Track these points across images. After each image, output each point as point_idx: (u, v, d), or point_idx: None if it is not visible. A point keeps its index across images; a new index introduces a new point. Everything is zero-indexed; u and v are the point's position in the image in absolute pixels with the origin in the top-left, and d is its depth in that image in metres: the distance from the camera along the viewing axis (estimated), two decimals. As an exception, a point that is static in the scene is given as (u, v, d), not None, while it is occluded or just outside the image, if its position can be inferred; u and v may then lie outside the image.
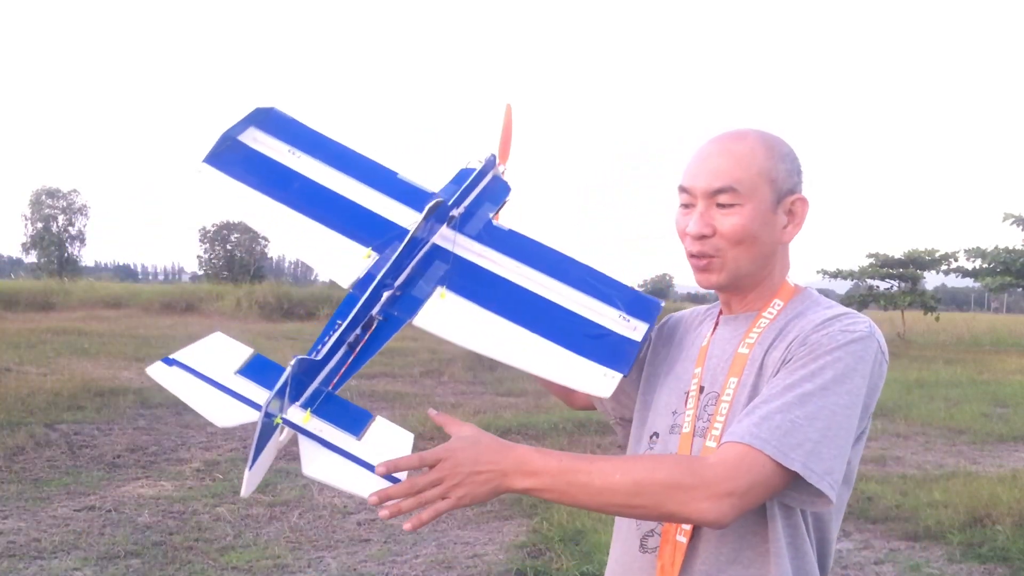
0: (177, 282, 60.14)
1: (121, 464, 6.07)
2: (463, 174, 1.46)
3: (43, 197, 44.89)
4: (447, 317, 1.29)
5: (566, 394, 1.56)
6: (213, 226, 39.65)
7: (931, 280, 26.68)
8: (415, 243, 1.30)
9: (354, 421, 1.17)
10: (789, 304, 1.28)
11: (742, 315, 1.31)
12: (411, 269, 1.31)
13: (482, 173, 1.48)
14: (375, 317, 1.27)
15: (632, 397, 1.45)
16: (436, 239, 1.35)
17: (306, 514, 5.03)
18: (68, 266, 43.48)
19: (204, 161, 1.36)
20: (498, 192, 1.49)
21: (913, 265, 24.55)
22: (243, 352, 1.23)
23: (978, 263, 23.34)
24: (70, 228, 45.47)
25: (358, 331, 1.25)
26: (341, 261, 1.31)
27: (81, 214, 45.76)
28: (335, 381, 1.22)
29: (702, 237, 1.25)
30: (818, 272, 25.61)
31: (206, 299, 23.09)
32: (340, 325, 1.23)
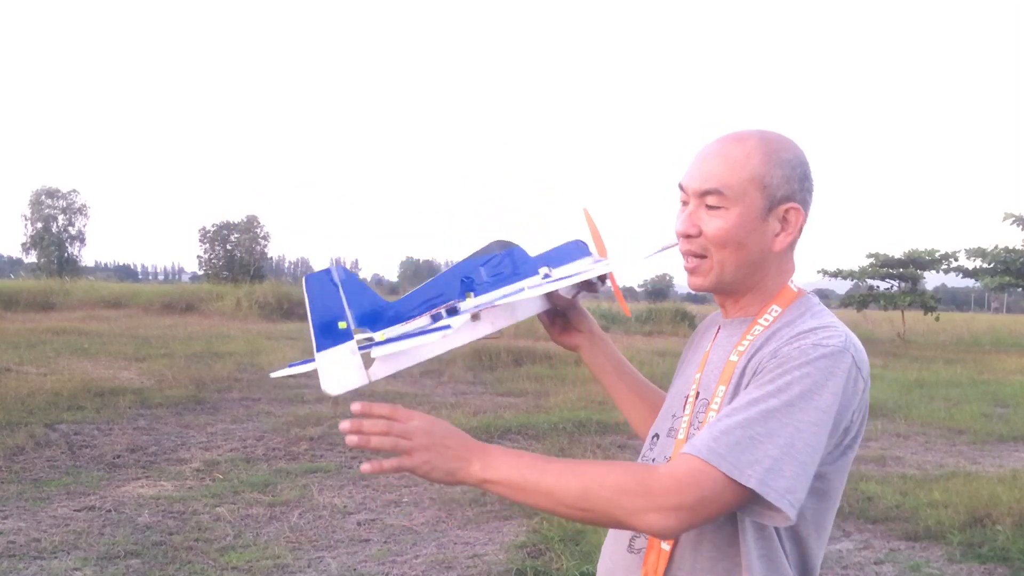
0: (177, 282, 60.15)
1: (121, 464, 6.07)
2: (562, 256, 1.62)
3: (43, 197, 44.95)
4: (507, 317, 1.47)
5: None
6: (213, 226, 39.68)
7: (931, 280, 26.73)
8: (482, 260, 1.49)
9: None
10: (787, 311, 1.26)
11: (736, 320, 1.30)
12: (502, 294, 1.46)
13: (573, 254, 1.64)
14: (457, 305, 1.40)
15: None
16: (526, 283, 1.52)
17: (306, 514, 5.03)
18: (68, 266, 43.53)
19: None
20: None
21: (913, 265, 24.57)
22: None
23: (978, 263, 23.36)
24: (70, 228, 45.55)
25: (441, 308, 1.38)
26: None
27: (81, 214, 45.86)
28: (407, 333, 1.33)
29: (688, 236, 1.26)
30: (818, 272, 25.64)
31: (206, 299, 23.09)
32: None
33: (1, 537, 4.39)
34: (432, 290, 1.40)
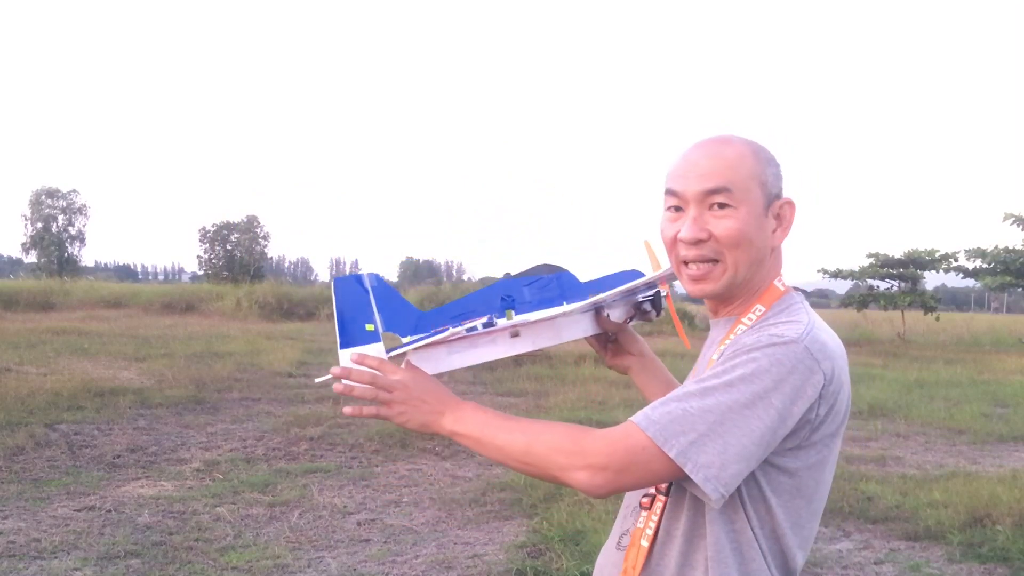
0: (177, 282, 60.13)
1: (121, 464, 6.07)
2: (628, 275, 1.66)
3: (43, 197, 44.91)
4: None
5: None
6: (213, 226, 39.66)
7: (931, 280, 26.68)
8: (528, 281, 1.54)
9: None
10: (771, 309, 1.25)
11: (723, 320, 1.30)
12: (544, 315, 1.48)
13: (624, 278, 1.66)
14: (495, 321, 1.44)
15: None
16: (573, 308, 1.53)
17: (306, 514, 5.03)
18: (68, 266, 43.49)
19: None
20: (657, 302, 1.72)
21: (913, 265, 24.55)
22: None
23: (978, 263, 23.35)
24: (70, 228, 45.50)
25: (476, 322, 1.41)
26: None
27: (81, 214, 45.80)
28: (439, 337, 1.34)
29: (698, 242, 1.22)
30: (818, 272, 25.62)
31: (206, 299, 23.08)
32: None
33: (1, 537, 4.39)
34: (467, 304, 1.42)
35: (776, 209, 1.24)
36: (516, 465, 1.21)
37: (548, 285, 1.51)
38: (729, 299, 1.29)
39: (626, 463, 1.12)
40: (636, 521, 1.28)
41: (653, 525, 1.24)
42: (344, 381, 1.26)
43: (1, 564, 4.04)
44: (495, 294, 1.45)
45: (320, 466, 6.16)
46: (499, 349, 1.39)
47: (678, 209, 1.25)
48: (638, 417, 1.14)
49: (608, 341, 1.64)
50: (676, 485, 1.22)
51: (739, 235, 1.20)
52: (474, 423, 1.24)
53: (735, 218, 1.20)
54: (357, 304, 1.29)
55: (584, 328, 1.55)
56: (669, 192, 1.25)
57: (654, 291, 1.69)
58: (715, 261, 1.23)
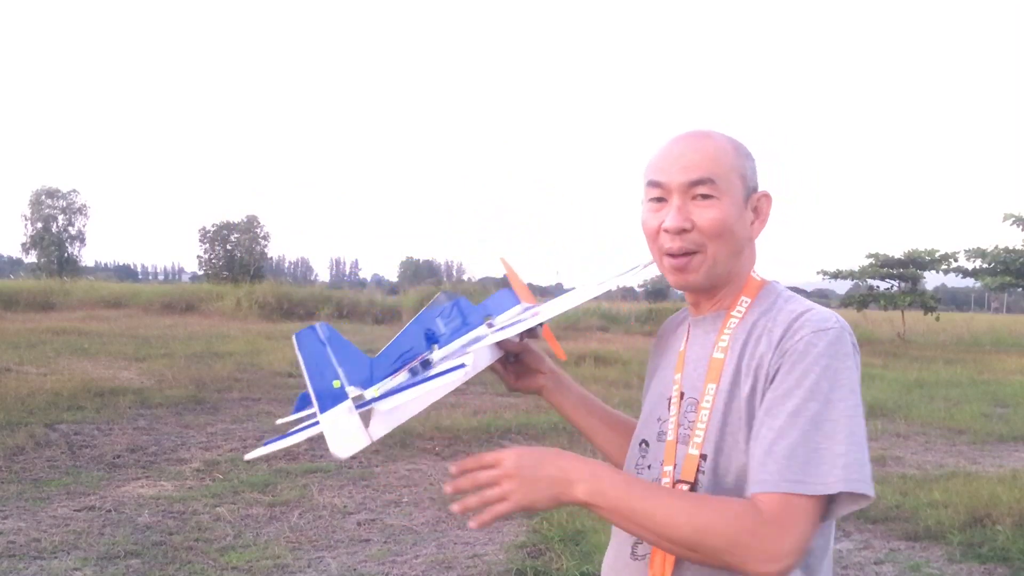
0: (177, 282, 60.11)
1: (121, 464, 6.07)
2: (500, 306, 1.68)
3: (43, 197, 44.90)
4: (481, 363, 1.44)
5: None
6: (213, 226, 39.66)
7: (931, 280, 26.72)
8: (435, 312, 1.53)
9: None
10: (756, 301, 1.27)
11: (710, 315, 1.30)
12: (460, 344, 1.48)
13: (509, 304, 1.69)
14: (429, 357, 1.40)
15: None
16: (477, 333, 1.55)
17: (306, 514, 5.03)
18: (68, 266, 43.49)
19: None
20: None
21: (913, 265, 24.57)
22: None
23: (978, 263, 23.38)
24: (70, 228, 45.49)
25: (415, 363, 1.38)
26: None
27: (81, 214, 45.78)
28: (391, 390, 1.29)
29: (681, 232, 1.22)
30: (818, 272, 25.64)
31: (206, 299, 23.09)
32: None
33: (1, 537, 4.39)
34: (404, 344, 1.41)
35: (754, 202, 1.26)
36: (672, 548, 1.11)
37: (451, 313, 1.51)
38: (710, 292, 1.29)
39: (802, 535, 1.08)
40: None
41: None
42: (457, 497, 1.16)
43: (1, 564, 4.04)
44: (419, 330, 1.44)
45: (320, 466, 6.16)
46: (447, 385, 1.29)
47: (660, 200, 1.25)
48: (780, 485, 1.09)
49: (508, 364, 1.55)
50: (703, 485, 1.20)
51: (722, 225, 1.22)
52: (616, 495, 1.11)
53: (718, 208, 1.22)
54: (321, 360, 1.23)
55: (493, 354, 1.48)
56: (652, 183, 1.26)
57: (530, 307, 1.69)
58: (695, 252, 1.24)
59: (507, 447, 1.18)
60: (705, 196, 1.22)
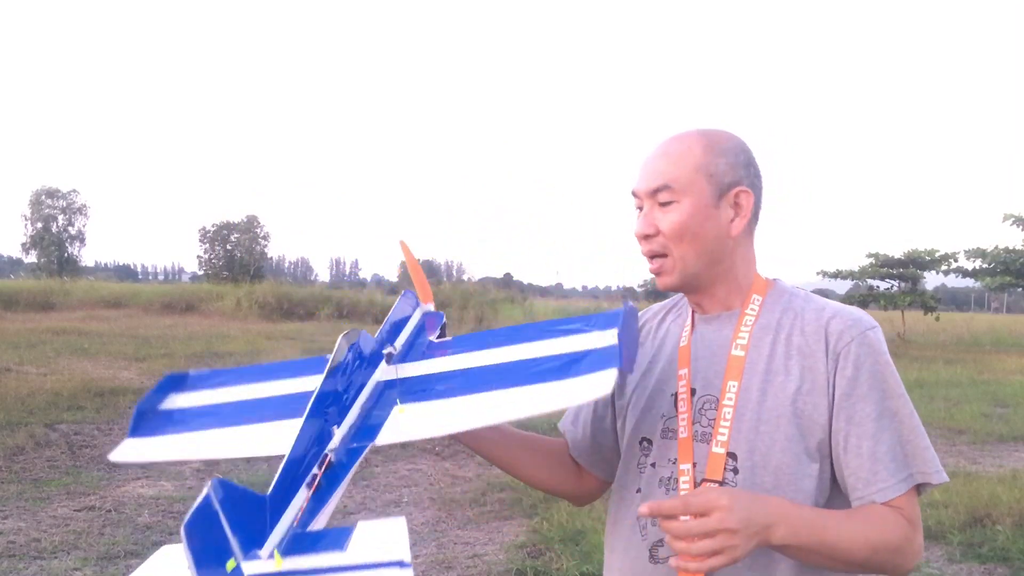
0: (177, 282, 60.14)
1: (121, 464, 6.06)
2: (396, 325, 1.42)
3: (43, 197, 44.91)
4: (412, 423, 1.23)
5: (574, 485, 1.51)
6: (213, 226, 39.69)
7: (931, 280, 26.71)
8: (336, 371, 1.25)
9: (334, 540, 1.05)
10: (768, 298, 1.28)
11: (724, 314, 1.29)
12: (361, 408, 1.26)
13: (408, 318, 1.44)
14: (327, 454, 1.19)
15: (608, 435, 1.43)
16: (378, 376, 1.30)
17: (306, 514, 5.03)
18: (68, 266, 43.49)
19: (129, 438, 1.36)
20: (434, 321, 1.47)
21: (913, 265, 24.56)
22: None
23: (978, 263, 23.36)
24: (70, 228, 45.51)
25: (315, 470, 1.17)
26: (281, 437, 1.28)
27: (81, 214, 45.80)
28: (299, 519, 1.10)
29: (647, 237, 1.27)
30: (818, 273, 25.63)
31: (206, 299, 23.08)
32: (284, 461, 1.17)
33: (1, 537, 4.39)
34: (297, 454, 1.19)
35: (732, 198, 1.26)
36: (849, 568, 1.17)
37: (351, 366, 1.28)
38: (699, 291, 1.30)
39: (920, 527, 1.20)
40: None
41: None
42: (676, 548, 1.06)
43: (1, 564, 4.04)
44: (314, 424, 1.22)
45: (320, 466, 6.16)
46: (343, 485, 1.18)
47: (640, 208, 1.30)
48: (901, 487, 1.18)
49: None
50: (735, 484, 1.19)
51: (682, 228, 1.24)
52: (807, 532, 1.10)
53: (677, 211, 1.24)
54: (211, 538, 0.97)
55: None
56: (632, 193, 1.31)
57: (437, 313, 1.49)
58: (665, 256, 1.27)
59: (711, 490, 1.12)
60: (666, 202, 1.25)
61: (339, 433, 1.22)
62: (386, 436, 1.23)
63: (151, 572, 1.10)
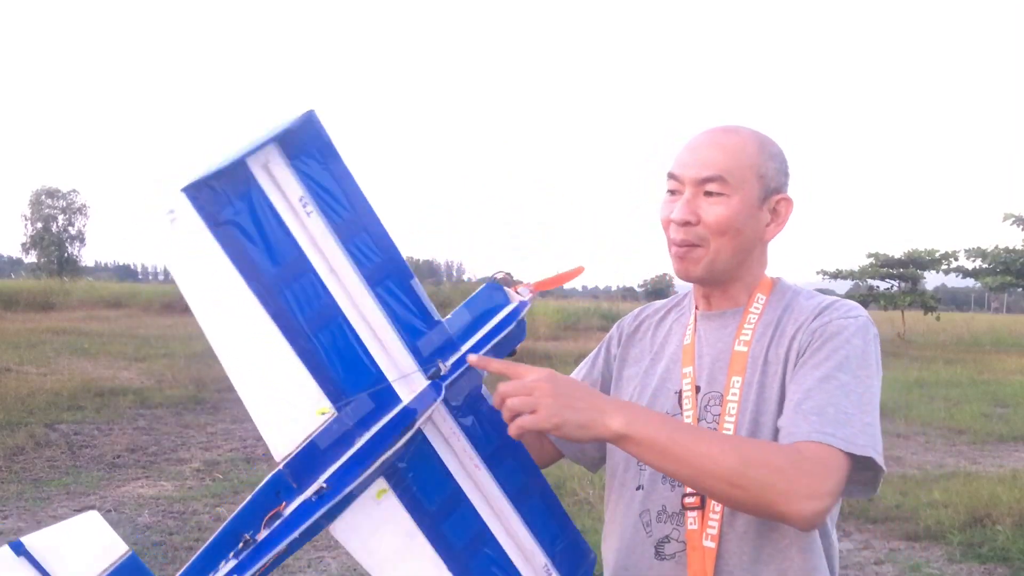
0: (177, 282, 59.97)
1: (121, 464, 6.07)
2: (486, 313, 1.18)
3: (43, 197, 44.92)
4: (371, 530, 1.07)
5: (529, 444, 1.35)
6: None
7: (931, 280, 26.72)
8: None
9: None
10: (771, 297, 1.28)
11: (729, 311, 1.30)
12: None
13: (513, 315, 1.21)
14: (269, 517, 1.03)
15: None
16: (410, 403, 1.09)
17: (306, 514, 5.03)
18: (68, 266, 43.51)
19: (184, 191, 0.98)
20: (512, 339, 1.21)
21: (913, 265, 24.57)
22: (114, 549, 0.96)
23: (978, 263, 23.37)
24: (70, 228, 45.51)
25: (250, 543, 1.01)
26: (288, 414, 1.04)
27: (81, 214, 45.80)
28: None
29: (686, 224, 1.23)
30: (818, 272, 25.64)
31: (206, 299, 23.05)
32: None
33: (1, 537, 4.39)
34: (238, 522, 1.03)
35: (773, 204, 1.25)
36: (714, 484, 1.04)
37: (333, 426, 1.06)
38: (716, 286, 1.29)
39: (837, 484, 1.07)
40: (681, 524, 1.22)
41: (716, 523, 1.19)
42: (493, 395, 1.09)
43: (1, 564, 4.05)
44: (264, 500, 1.04)
45: (320, 466, 6.16)
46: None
47: (676, 192, 1.26)
48: (812, 435, 1.08)
49: None
50: None
51: (727, 222, 1.22)
52: (654, 427, 1.05)
53: (726, 205, 1.21)
54: None
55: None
56: (669, 175, 1.27)
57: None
58: (697, 246, 1.24)
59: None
60: (715, 193, 1.22)
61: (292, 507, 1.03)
62: (342, 526, 1.05)
63: (62, 540, 0.96)
